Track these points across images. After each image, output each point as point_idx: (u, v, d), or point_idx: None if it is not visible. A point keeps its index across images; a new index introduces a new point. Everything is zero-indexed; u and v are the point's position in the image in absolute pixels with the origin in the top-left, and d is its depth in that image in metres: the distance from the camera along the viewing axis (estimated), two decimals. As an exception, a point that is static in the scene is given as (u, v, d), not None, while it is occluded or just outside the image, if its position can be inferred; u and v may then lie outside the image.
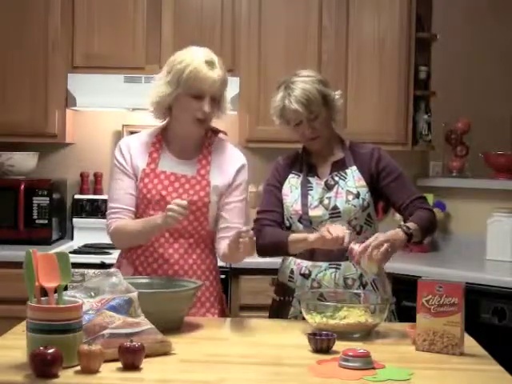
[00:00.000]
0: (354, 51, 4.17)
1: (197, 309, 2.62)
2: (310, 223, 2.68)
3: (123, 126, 4.43)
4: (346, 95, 4.03)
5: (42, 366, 1.85)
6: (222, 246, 2.60)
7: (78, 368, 1.92)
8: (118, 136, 4.30)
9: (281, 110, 2.69)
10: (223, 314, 2.73)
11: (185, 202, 2.40)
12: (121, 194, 2.62)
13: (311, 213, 2.69)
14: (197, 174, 2.62)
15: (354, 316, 2.34)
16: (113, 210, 2.62)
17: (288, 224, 2.74)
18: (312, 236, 2.55)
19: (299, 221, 2.69)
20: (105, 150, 4.48)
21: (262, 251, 2.69)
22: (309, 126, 2.66)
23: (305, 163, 2.77)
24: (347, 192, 2.69)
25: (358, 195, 2.69)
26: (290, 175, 2.77)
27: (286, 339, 2.36)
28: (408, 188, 2.72)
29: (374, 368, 2.00)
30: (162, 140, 2.66)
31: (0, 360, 1.99)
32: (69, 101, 4.11)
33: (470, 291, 2.33)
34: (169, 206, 2.39)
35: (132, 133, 2.87)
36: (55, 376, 1.86)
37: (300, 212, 2.69)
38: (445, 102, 4.48)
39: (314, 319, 2.36)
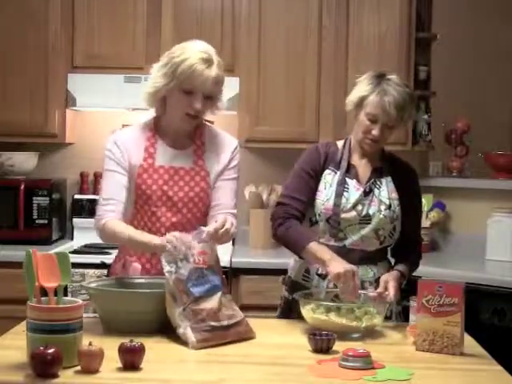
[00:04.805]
0: (353, 51, 4.16)
1: None
2: (337, 224, 2.64)
3: (123, 126, 4.43)
4: (346, 95, 4.02)
5: (42, 365, 1.85)
6: (211, 224, 2.47)
7: (78, 368, 1.92)
8: (118, 136, 4.29)
9: (365, 99, 2.62)
10: None
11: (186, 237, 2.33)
12: (116, 186, 2.57)
13: (343, 215, 2.63)
14: (195, 165, 2.60)
15: (354, 316, 2.35)
16: (106, 202, 2.55)
17: (314, 220, 2.67)
18: (332, 270, 2.44)
19: (327, 220, 2.64)
20: (105, 150, 4.47)
21: (279, 239, 2.67)
22: (382, 129, 2.61)
23: (344, 161, 2.69)
24: (380, 202, 2.65)
25: (389, 206, 2.66)
26: (327, 170, 2.69)
27: (285, 339, 2.37)
28: (418, 224, 2.82)
29: (373, 368, 2.01)
30: (155, 133, 2.63)
31: (0, 360, 2.00)
32: (69, 101, 4.12)
33: (469, 291, 2.33)
34: (169, 238, 2.30)
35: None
36: (55, 376, 1.86)
37: (331, 212, 2.63)
38: (445, 101, 4.48)
39: (310, 314, 2.37)
